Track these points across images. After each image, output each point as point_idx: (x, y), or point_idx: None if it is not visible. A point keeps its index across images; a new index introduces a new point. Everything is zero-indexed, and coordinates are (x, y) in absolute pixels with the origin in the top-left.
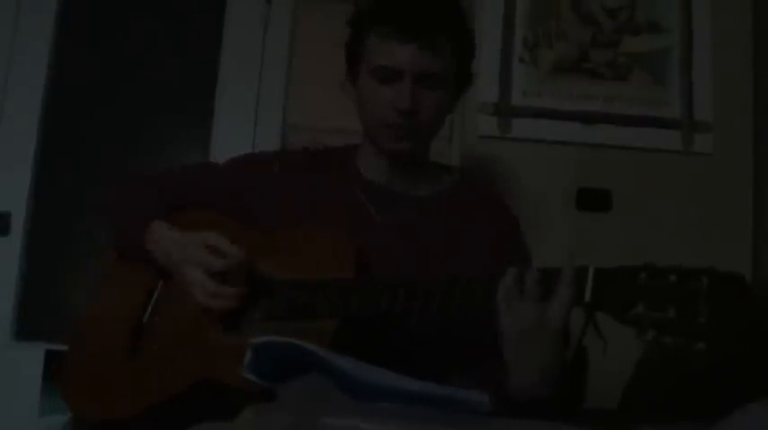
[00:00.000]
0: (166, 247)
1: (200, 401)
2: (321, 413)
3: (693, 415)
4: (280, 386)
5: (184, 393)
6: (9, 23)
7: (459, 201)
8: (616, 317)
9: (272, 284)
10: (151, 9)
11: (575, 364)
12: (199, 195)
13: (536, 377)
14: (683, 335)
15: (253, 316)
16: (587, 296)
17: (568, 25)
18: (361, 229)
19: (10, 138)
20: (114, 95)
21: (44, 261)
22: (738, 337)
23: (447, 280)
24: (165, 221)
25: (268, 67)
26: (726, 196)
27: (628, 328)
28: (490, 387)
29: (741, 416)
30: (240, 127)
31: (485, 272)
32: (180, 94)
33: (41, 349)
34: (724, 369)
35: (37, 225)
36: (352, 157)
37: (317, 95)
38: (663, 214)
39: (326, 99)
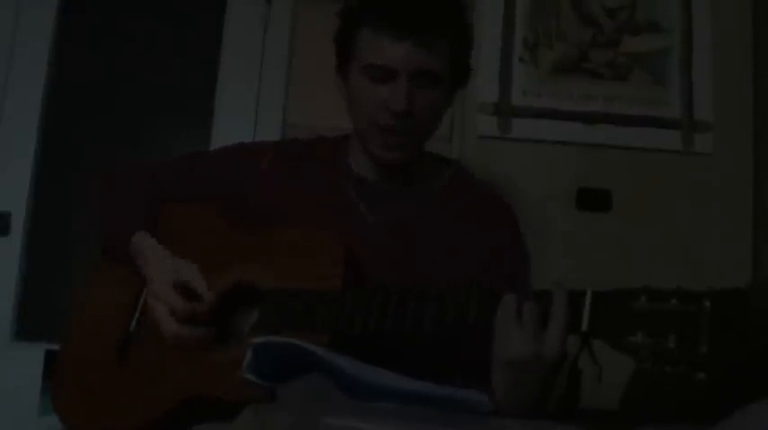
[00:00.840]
0: (143, 265)
1: (197, 408)
2: (322, 413)
3: (693, 417)
4: (280, 386)
5: (177, 412)
6: (9, 23)
7: (455, 198)
8: (613, 345)
9: (260, 295)
10: (151, 9)
11: (567, 386)
12: (190, 187)
13: (522, 404)
14: (684, 364)
15: (242, 328)
16: (584, 325)
17: (568, 25)
18: (352, 228)
19: (10, 138)
20: (114, 95)
21: (44, 261)
22: (740, 361)
23: (438, 294)
24: (148, 231)
25: (268, 67)
26: (726, 196)
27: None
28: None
29: (741, 416)
30: (240, 127)
31: (482, 272)
32: (180, 94)
33: (41, 349)
34: (725, 378)
35: (37, 225)
36: (343, 151)
37: (317, 95)
38: (663, 214)
39: (326, 99)
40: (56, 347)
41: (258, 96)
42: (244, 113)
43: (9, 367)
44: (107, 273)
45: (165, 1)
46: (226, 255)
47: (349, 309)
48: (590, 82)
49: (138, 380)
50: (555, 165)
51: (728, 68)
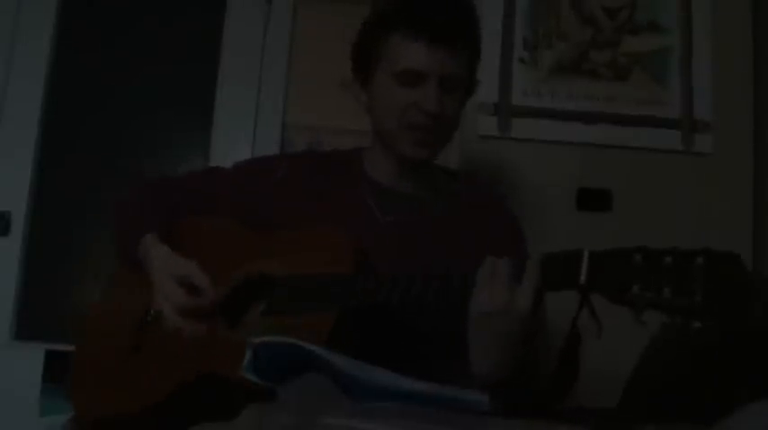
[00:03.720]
0: (149, 265)
1: (200, 399)
2: (322, 413)
3: (692, 417)
4: (280, 386)
5: (185, 389)
6: (9, 23)
7: (463, 205)
8: (611, 298)
9: (271, 280)
10: (151, 9)
11: (566, 347)
12: (204, 203)
13: (497, 360)
14: (680, 314)
15: (254, 311)
16: (582, 278)
17: (568, 25)
18: (364, 228)
19: (10, 138)
20: (114, 95)
21: (44, 261)
22: (735, 314)
23: (444, 274)
24: (157, 234)
25: (268, 67)
26: (726, 196)
27: (626, 333)
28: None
29: (741, 416)
30: (240, 127)
31: None
32: (180, 94)
33: (41, 349)
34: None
35: (37, 225)
36: (358, 160)
37: (317, 95)
38: (663, 214)
39: (326, 99)
40: (56, 347)
41: (258, 96)
42: (244, 113)
43: (9, 367)
44: (127, 274)
45: (165, 1)
46: (239, 254)
47: (357, 285)
48: (590, 82)
49: (152, 361)
50: (555, 166)
51: (728, 68)
